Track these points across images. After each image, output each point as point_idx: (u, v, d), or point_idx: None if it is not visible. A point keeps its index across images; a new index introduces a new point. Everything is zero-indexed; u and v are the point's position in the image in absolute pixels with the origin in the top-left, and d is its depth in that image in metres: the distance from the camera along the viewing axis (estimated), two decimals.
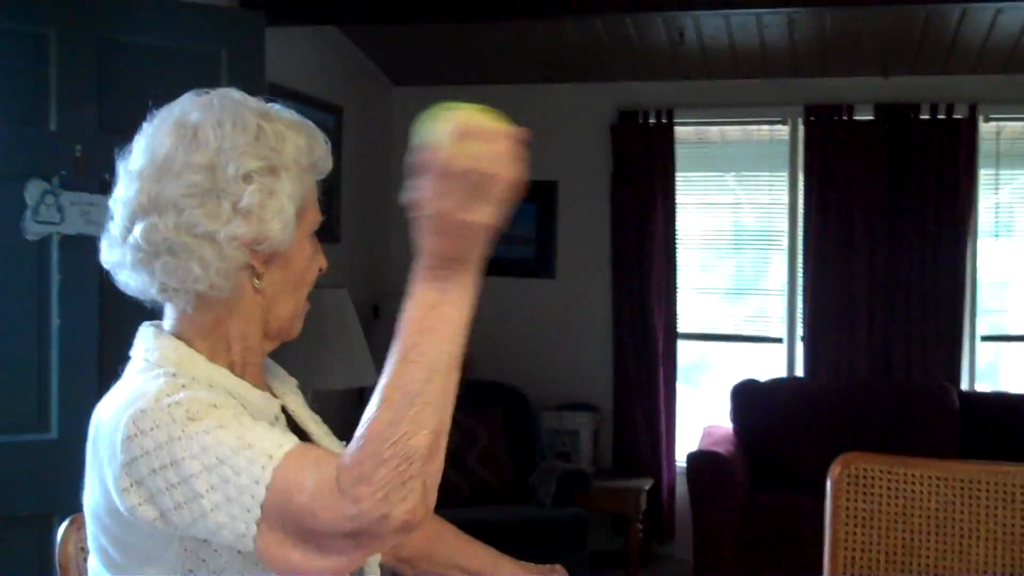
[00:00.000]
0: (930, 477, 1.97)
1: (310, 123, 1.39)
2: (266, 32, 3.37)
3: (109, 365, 1.43)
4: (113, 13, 3.00)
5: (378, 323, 5.19)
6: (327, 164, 1.40)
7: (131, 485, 1.20)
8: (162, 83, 1.52)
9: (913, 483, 1.98)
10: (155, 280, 1.31)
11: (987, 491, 1.94)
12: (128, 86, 2.86)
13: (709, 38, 5.06)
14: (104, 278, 1.39)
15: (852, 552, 1.96)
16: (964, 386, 5.31)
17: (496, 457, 4.94)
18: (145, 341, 1.35)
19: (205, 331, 1.35)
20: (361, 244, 5.48)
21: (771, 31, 4.95)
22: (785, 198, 5.58)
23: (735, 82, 5.56)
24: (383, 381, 1.13)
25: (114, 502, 1.23)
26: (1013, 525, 1.91)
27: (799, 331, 5.51)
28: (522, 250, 5.74)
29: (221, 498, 1.15)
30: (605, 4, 4.31)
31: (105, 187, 1.41)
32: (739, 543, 4.72)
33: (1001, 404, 5.10)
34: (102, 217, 1.37)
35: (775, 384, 5.31)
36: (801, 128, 5.47)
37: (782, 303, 5.61)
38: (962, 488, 1.96)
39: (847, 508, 1.97)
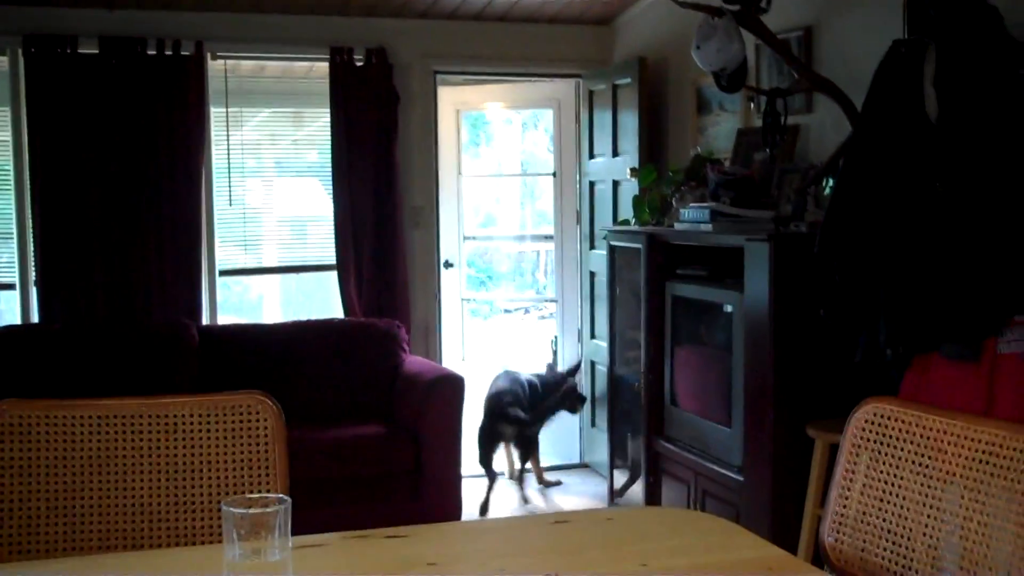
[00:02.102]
0: (90, 417, 1.92)
1: None
2: None
3: None
4: None
5: None
6: None
7: None
8: None
9: (73, 425, 1.92)
10: None
11: (148, 424, 1.94)
12: None
13: None
14: None
15: (10, 504, 1.85)
16: (204, 321, 5.46)
17: None
18: None
19: None
20: None
21: None
22: (8, 135, 5.20)
23: None
24: None
25: None
26: (175, 455, 1.94)
27: (32, 275, 5.21)
28: None
29: None
30: None
31: None
32: None
33: (238, 335, 5.31)
34: None
35: (6, 332, 4.97)
36: (22, 60, 5.12)
37: (12, 247, 5.26)
38: (123, 424, 1.93)
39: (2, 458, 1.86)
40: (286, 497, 1.37)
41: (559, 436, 6.04)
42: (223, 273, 5.68)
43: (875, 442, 1.84)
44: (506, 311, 9.11)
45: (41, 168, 5.12)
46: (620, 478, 5.11)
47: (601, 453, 5.62)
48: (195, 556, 1.75)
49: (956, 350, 2.95)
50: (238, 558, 1.34)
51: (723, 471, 4.01)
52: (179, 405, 1.98)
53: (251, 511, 1.33)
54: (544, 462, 5.79)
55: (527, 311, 9.13)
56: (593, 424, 6.01)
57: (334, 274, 5.65)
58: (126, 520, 1.90)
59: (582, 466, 6.12)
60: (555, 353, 6.42)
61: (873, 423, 1.85)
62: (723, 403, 4.05)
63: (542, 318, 8.38)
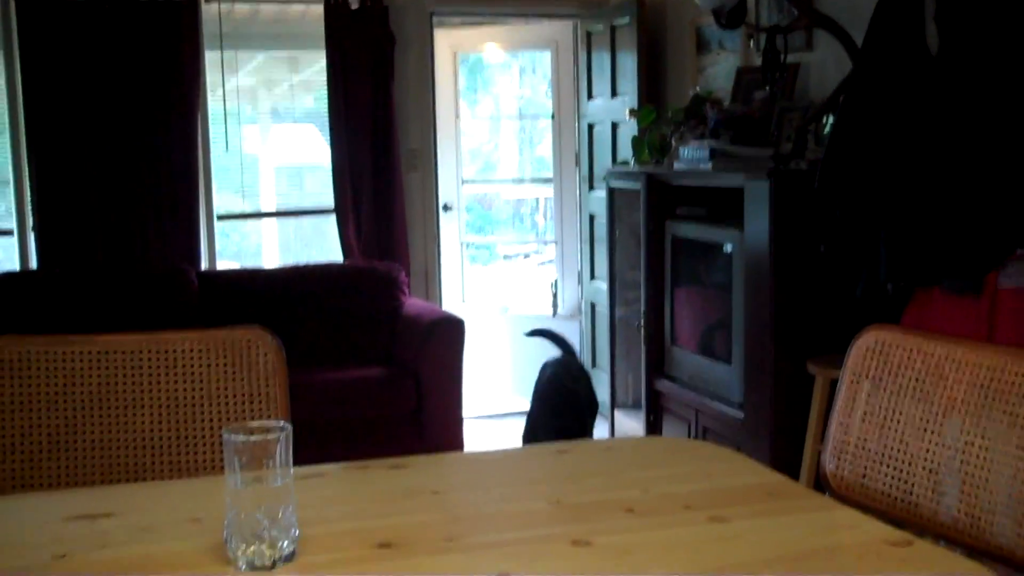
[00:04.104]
0: (89, 352, 1.92)
1: None
2: None
3: None
4: None
5: None
6: None
7: None
8: None
9: (73, 360, 1.92)
10: None
11: (149, 360, 1.94)
12: None
13: None
14: None
15: (12, 439, 1.85)
16: (203, 267, 5.44)
17: None
18: None
19: None
20: None
21: None
22: (2, 82, 5.15)
23: None
24: None
25: None
26: (175, 390, 1.94)
27: (29, 221, 5.20)
28: None
29: None
30: None
31: None
32: None
33: (237, 280, 5.30)
34: None
35: (5, 279, 4.96)
36: (13, 6, 5.05)
37: (9, 193, 5.23)
38: (124, 359, 1.93)
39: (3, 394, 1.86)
40: (287, 424, 1.37)
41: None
42: (221, 218, 5.65)
43: (876, 370, 1.84)
44: (506, 257, 9.10)
45: (36, 115, 5.08)
46: (631, 422, 5.12)
47: (602, 394, 5.63)
48: (197, 486, 1.76)
49: (957, 284, 2.94)
50: (240, 485, 1.33)
51: (724, 408, 4.02)
52: (179, 340, 1.98)
53: (252, 438, 1.33)
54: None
55: (527, 256, 9.12)
56: (594, 364, 6.02)
57: (332, 219, 5.62)
58: (128, 454, 1.91)
59: None
60: (555, 295, 6.42)
61: (874, 351, 1.85)
62: (723, 341, 4.05)
63: (542, 264, 8.36)
